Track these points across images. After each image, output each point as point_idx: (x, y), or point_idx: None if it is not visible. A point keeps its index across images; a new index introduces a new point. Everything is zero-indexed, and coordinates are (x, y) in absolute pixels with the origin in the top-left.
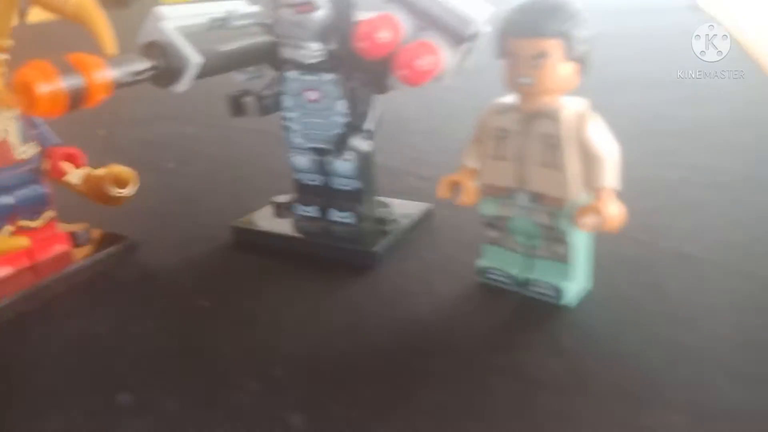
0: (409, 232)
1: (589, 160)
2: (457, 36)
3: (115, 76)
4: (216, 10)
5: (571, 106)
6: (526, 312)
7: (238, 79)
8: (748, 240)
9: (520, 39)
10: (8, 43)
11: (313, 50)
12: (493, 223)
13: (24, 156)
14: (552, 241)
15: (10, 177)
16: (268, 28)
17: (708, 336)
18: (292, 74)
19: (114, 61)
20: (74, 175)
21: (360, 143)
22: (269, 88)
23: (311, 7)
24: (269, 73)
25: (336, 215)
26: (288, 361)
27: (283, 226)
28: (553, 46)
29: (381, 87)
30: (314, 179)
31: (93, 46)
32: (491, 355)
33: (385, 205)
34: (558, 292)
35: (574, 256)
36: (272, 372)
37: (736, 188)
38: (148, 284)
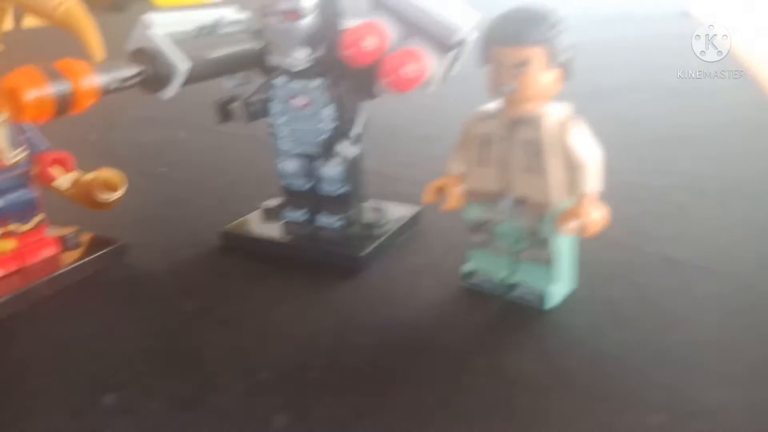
0: (396, 236)
1: (572, 166)
2: (443, 43)
3: (102, 82)
4: (204, 17)
5: (553, 113)
6: (510, 315)
7: (227, 85)
8: (731, 244)
9: (502, 47)
10: None
11: (301, 57)
12: (478, 227)
13: (13, 161)
14: (536, 245)
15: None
16: (256, 34)
17: (688, 338)
18: (280, 80)
19: (101, 67)
20: (63, 179)
21: (347, 149)
22: (256, 95)
23: (298, 15)
24: (258, 80)
25: (324, 220)
26: (273, 364)
27: (272, 231)
28: (535, 54)
29: (368, 94)
30: (302, 184)
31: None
32: (474, 356)
33: (379, 209)
34: (541, 295)
35: (558, 260)
36: (257, 374)
37: (721, 194)
38: (136, 287)
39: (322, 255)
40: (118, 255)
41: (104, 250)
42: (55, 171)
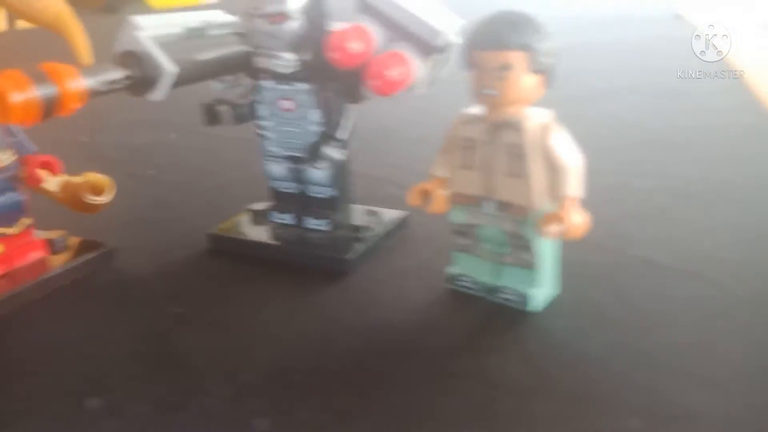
0: (383, 239)
1: (553, 169)
2: (427, 47)
3: (89, 85)
4: (192, 20)
5: (535, 117)
6: (494, 318)
7: (215, 88)
8: (714, 248)
9: (485, 51)
10: None
11: (288, 60)
12: (463, 231)
13: (1, 164)
14: (519, 249)
15: None
16: (243, 37)
17: (669, 342)
18: (267, 84)
19: (88, 70)
20: (51, 182)
21: (334, 152)
22: (244, 97)
23: (285, 18)
24: (246, 83)
25: (311, 223)
26: (258, 367)
27: (259, 234)
28: (517, 58)
29: (354, 97)
30: (290, 187)
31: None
32: (457, 359)
33: (366, 212)
34: (525, 298)
35: (540, 263)
36: (242, 377)
37: (703, 197)
38: (124, 291)
39: (310, 258)
40: (106, 258)
41: (92, 254)
42: (42, 174)
